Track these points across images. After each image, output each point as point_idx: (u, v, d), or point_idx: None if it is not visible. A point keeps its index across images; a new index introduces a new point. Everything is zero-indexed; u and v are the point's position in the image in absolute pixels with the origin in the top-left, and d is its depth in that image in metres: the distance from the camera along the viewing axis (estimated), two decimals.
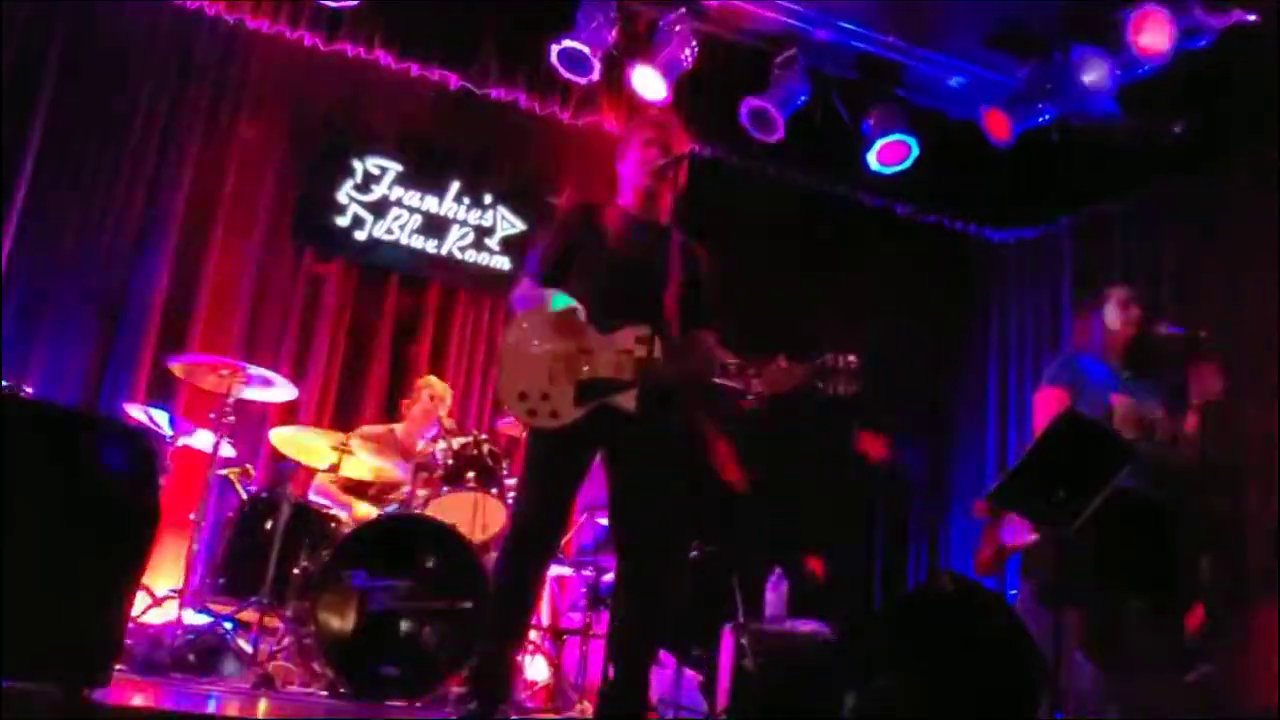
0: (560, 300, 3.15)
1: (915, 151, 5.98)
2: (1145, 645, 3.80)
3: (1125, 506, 3.72)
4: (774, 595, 5.02)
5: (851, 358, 3.01)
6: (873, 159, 6.06)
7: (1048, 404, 3.97)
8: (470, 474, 4.65)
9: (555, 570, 5.10)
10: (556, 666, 4.76)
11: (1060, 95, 5.67)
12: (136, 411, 4.67)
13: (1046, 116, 5.82)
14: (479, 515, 4.54)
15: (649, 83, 5.69)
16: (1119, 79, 5.46)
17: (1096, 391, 3.98)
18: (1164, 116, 5.63)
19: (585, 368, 3.12)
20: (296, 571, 4.23)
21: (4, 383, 3.78)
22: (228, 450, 4.59)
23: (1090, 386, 4.00)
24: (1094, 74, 5.45)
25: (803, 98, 5.85)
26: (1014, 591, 4.41)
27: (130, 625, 3.87)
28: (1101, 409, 3.89)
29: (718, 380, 3.15)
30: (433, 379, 5.43)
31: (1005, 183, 6.54)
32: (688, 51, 5.65)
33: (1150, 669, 3.76)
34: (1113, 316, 4.13)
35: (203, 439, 4.64)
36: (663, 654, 4.76)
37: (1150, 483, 3.82)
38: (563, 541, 4.73)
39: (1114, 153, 5.86)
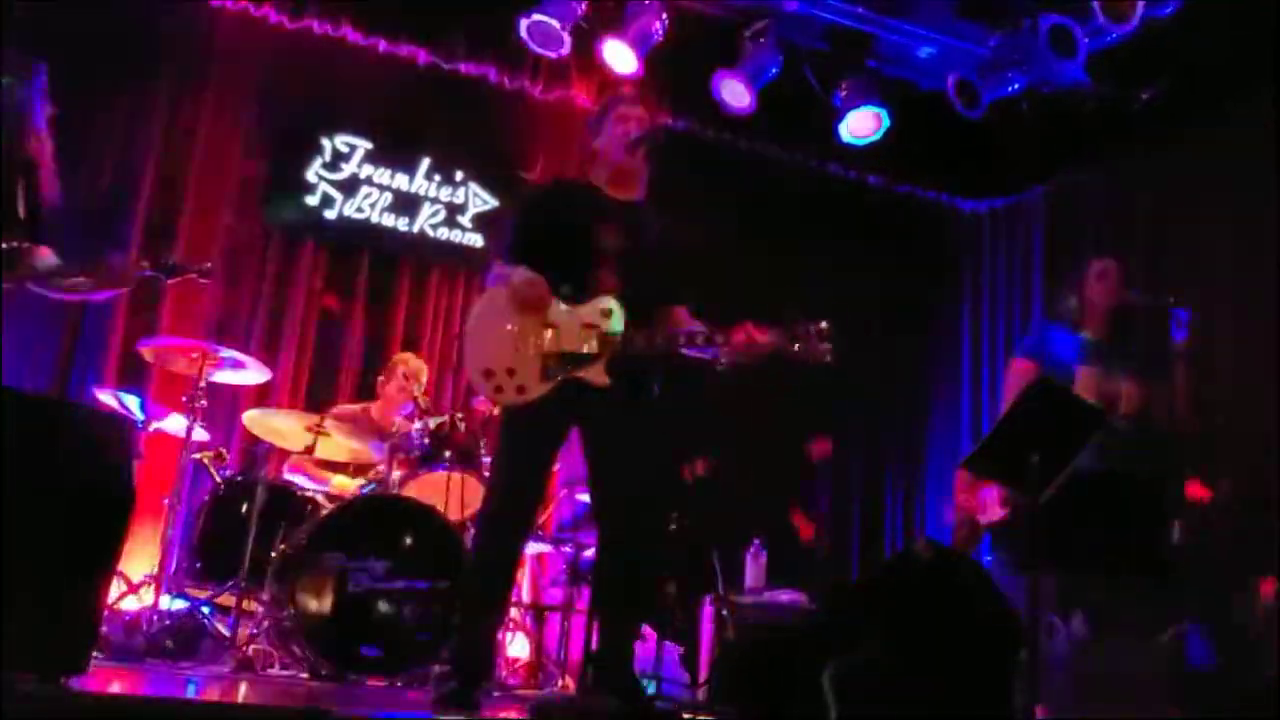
0: (526, 276, 3.15)
1: (887, 122, 5.98)
2: (1117, 610, 3.85)
3: (1090, 480, 3.76)
4: (754, 566, 5.05)
5: (823, 324, 3.03)
6: (844, 130, 6.06)
7: (1016, 376, 4.01)
8: (447, 452, 4.63)
9: (535, 547, 5.11)
10: (538, 643, 4.77)
11: (1029, 64, 5.68)
12: (107, 397, 4.62)
13: (1016, 85, 5.84)
14: (457, 494, 4.53)
15: (620, 56, 5.65)
16: (1087, 47, 5.48)
17: (1061, 364, 4.01)
18: (1133, 84, 5.66)
19: (550, 342, 3.11)
20: (274, 554, 4.22)
21: None
22: (201, 434, 4.55)
23: (1055, 359, 4.03)
24: (1062, 42, 5.47)
25: (774, 70, 5.83)
26: (988, 559, 4.47)
27: (107, 612, 3.85)
28: (1064, 381, 3.90)
29: (686, 350, 3.16)
30: (407, 356, 5.39)
31: (976, 152, 6.56)
32: (658, 24, 5.61)
33: (1124, 632, 3.81)
34: (1093, 288, 4.14)
35: (175, 423, 4.59)
36: (644, 627, 4.78)
37: (1117, 455, 3.85)
38: (540, 517, 4.74)
39: (1084, 121, 5.88)
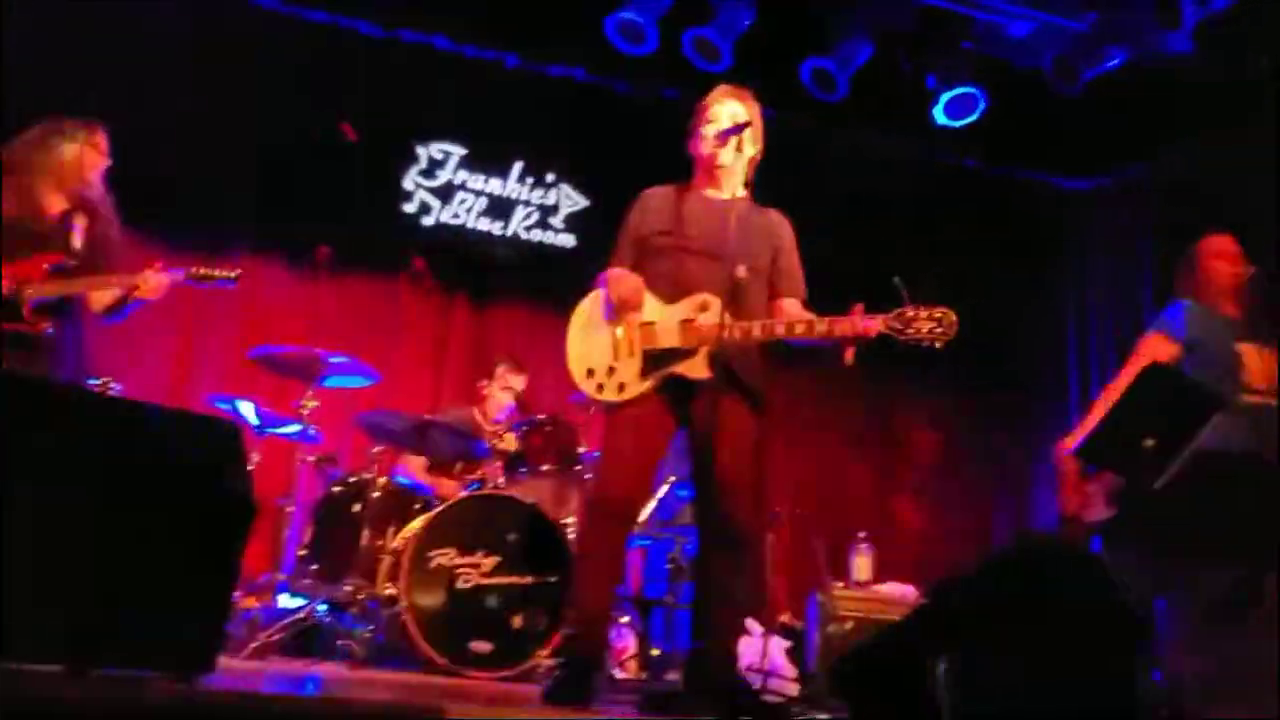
0: (621, 275, 3.19)
1: (982, 104, 5.85)
2: (1231, 606, 3.71)
3: (1223, 467, 3.61)
4: (860, 559, 5.00)
5: (938, 310, 2.98)
6: (939, 113, 5.94)
7: (1150, 350, 3.82)
8: (548, 453, 4.69)
9: (638, 541, 5.14)
10: (642, 636, 4.80)
11: (1130, 36, 5.50)
12: (223, 404, 4.79)
13: (1116, 60, 5.65)
14: (558, 493, 4.59)
15: (707, 49, 5.63)
16: (1192, 15, 5.27)
17: (1220, 340, 3.83)
18: (1243, 52, 5.43)
19: (649, 339, 3.14)
20: (387, 553, 4.33)
21: (94, 381, 3.89)
22: (314, 437, 4.68)
23: (1212, 336, 3.85)
24: (1165, 11, 5.28)
25: (865, 55, 5.75)
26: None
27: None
28: (1228, 358, 3.73)
29: (789, 340, 3.14)
30: (507, 359, 5.48)
31: (1077, 130, 6.37)
32: (745, 14, 5.58)
33: (1240, 628, 3.67)
34: (1212, 265, 3.97)
35: (289, 428, 4.74)
36: (749, 621, 4.77)
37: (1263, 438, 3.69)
38: (644, 513, 4.76)
39: (1190, 93, 5.66)
